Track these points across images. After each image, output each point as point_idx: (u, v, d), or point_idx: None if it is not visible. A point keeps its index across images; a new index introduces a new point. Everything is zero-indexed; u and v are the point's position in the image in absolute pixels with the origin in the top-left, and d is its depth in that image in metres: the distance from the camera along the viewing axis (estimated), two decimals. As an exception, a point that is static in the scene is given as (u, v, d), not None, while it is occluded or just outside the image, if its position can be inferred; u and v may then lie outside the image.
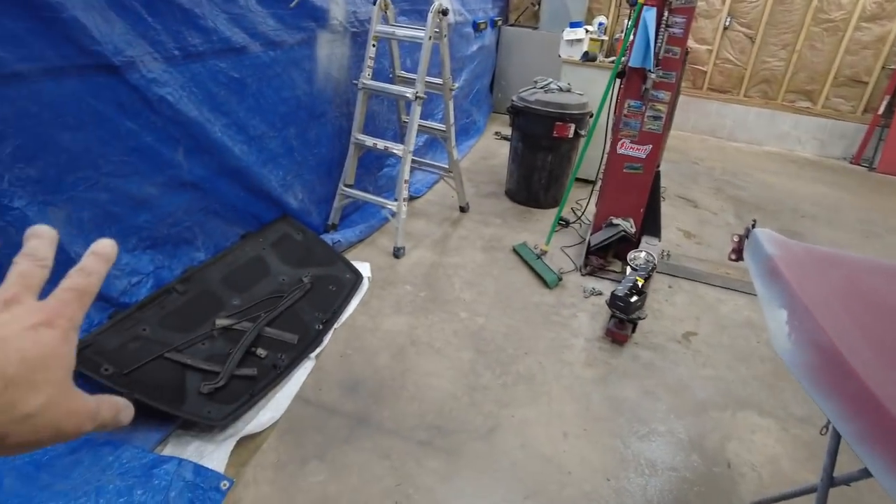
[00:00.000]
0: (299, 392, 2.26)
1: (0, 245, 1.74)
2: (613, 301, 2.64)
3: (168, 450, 1.95)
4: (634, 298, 2.60)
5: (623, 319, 2.65)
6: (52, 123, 1.86)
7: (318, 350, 2.48)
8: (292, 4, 2.66)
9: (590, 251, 3.35)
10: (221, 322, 2.34)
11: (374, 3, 3.16)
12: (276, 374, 2.27)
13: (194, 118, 2.30)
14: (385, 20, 3.28)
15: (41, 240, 0.43)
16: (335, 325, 2.66)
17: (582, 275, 3.31)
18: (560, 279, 3.19)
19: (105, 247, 0.45)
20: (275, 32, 2.67)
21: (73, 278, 0.43)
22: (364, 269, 3.12)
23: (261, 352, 2.31)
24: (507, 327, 2.78)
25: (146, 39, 2.08)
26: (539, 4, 6.76)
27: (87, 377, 1.92)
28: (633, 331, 2.75)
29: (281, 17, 2.69)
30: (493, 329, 2.76)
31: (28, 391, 0.36)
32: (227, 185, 2.62)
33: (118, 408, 0.45)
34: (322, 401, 2.24)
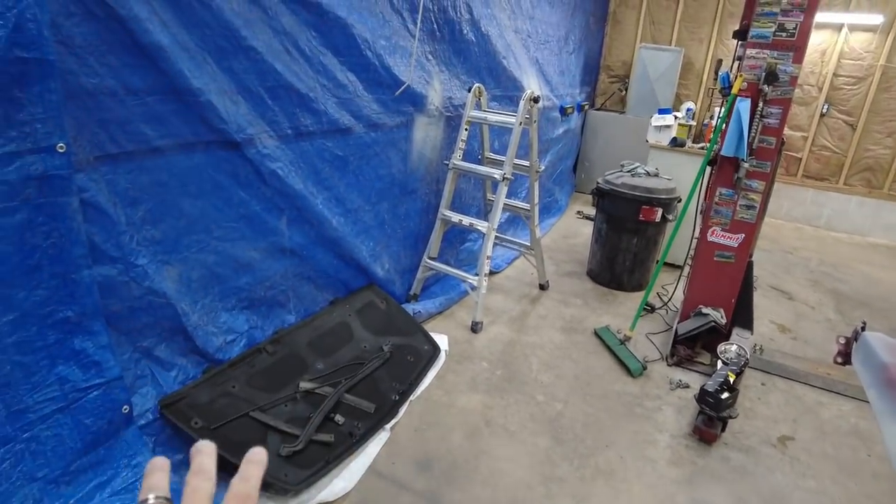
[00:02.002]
0: (373, 464, 2.26)
1: None
2: (703, 396, 2.50)
3: (244, 509, 1.98)
4: (725, 395, 2.45)
5: (712, 417, 2.50)
6: (178, 191, 2.07)
7: (393, 421, 2.49)
8: (397, 92, 2.87)
9: (677, 340, 3.22)
10: (305, 385, 2.41)
11: (469, 91, 3.35)
12: (351, 443, 2.29)
13: (299, 191, 2.49)
14: (478, 106, 3.46)
15: (205, 456, 0.50)
16: (411, 397, 2.67)
17: (668, 365, 3.17)
18: (645, 368, 3.06)
19: (259, 455, 0.51)
20: (377, 116, 2.88)
21: (236, 486, 0.48)
22: (442, 341, 3.14)
23: (339, 418, 2.35)
24: (587, 415, 2.68)
25: (265, 119, 2.31)
26: (626, 90, 6.89)
27: (178, 429, 2.02)
28: (723, 430, 2.58)
29: (384, 101, 2.91)
30: (572, 416, 2.67)
31: None
32: (322, 254, 2.77)
33: (259, 469, 0.51)
34: (395, 475, 2.22)
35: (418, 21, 2.97)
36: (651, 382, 3.00)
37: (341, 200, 2.81)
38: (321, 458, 2.18)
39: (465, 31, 3.48)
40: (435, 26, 3.21)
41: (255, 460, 0.51)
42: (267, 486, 2.07)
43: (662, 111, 4.98)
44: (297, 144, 2.49)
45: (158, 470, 0.50)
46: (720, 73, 2.99)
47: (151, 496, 0.46)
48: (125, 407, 1.86)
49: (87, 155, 1.73)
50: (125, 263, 1.90)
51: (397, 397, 2.60)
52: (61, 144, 1.54)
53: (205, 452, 0.51)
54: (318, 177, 2.63)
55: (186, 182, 2.10)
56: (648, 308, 3.80)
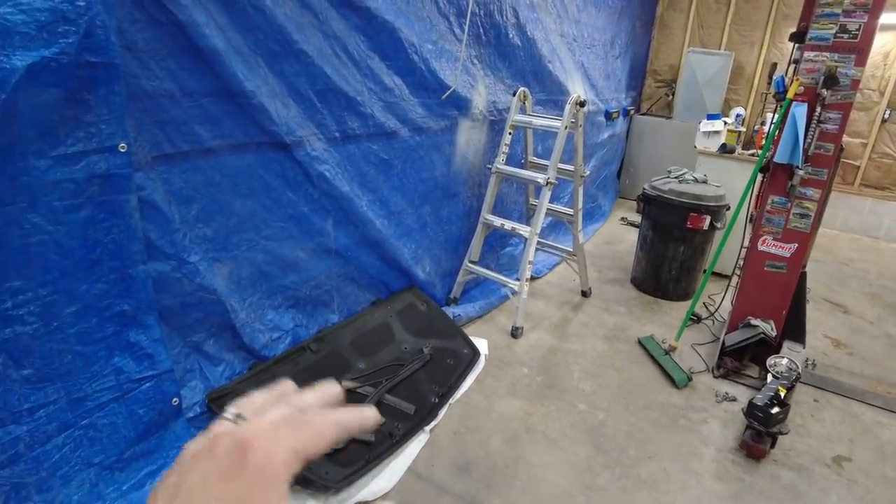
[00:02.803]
0: (412, 465, 2.27)
1: None
2: (751, 410, 2.42)
3: None
4: (776, 410, 2.36)
5: (761, 432, 2.41)
6: (229, 191, 2.13)
7: (432, 424, 2.49)
8: (443, 96, 2.89)
9: (724, 352, 3.12)
10: (346, 384, 2.44)
11: (514, 95, 3.34)
12: (391, 444, 2.30)
13: (345, 193, 2.53)
14: (522, 110, 3.44)
15: (313, 391, 0.44)
16: (451, 400, 2.67)
17: (714, 377, 3.08)
18: (690, 379, 2.98)
19: (372, 413, 0.45)
20: (422, 119, 2.91)
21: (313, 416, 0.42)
22: (482, 345, 3.13)
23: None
24: (630, 425, 2.63)
25: (314, 122, 2.35)
26: (673, 95, 6.75)
27: (225, 423, 2.07)
28: (773, 446, 2.48)
29: (429, 105, 2.93)
30: (614, 426, 2.62)
31: None
32: (365, 255, 2.81)
33: (362, 418, 0.44)
34: (433, 478, 2.22)
35: (466, 25, 2.98)
36: (696, 394, 2.92)
37: (385, 203, 2.84)
38: (361, 458, 2.20)
39: (510, 35, 3.48)
40: (481, 30, 3.22)
41: (370, 414, 0.44)
42: (308, 482, 2.10)
43: (711, 116, 4.85)
44: (343, 147, 2.53)
45: (268, 391, 0.44)
46: (774, 77, 2.90)
47: (232, 411, 0.41)
48: (175, 399, 1.92)
49: (145, 154, 1.79)
50: (178, 260, 1.96)
51: (437, 400, 2.61)
52: (123, 144, 1.61)
53: (318, 389, 0.45)
54: (363, 179, 2.66)
55: (238, 182, 2.16)
56: (694, 318, 3.70)
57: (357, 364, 2.59)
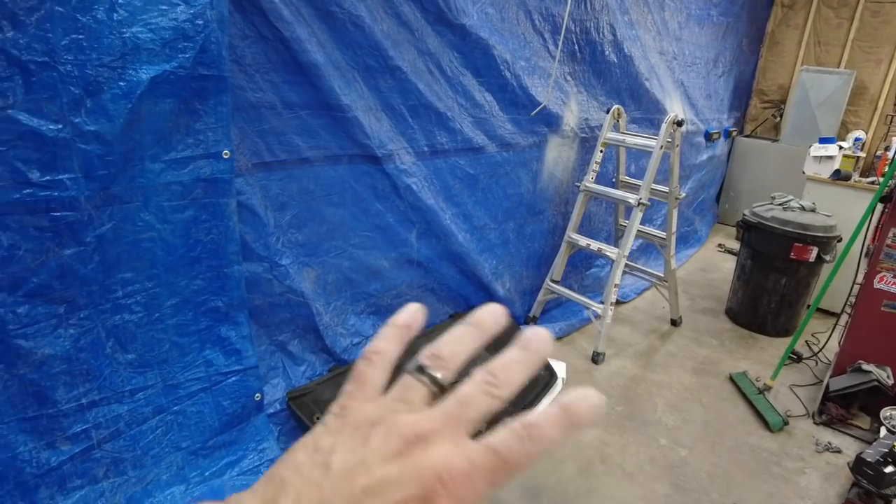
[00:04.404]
0: (480, 482, 2.23)
1: None
2: (860, 466, 2.18)
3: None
4: (890, 469, 2.12)
5: (871, 492, 2.17)
6: (322, 200, 2.23)
7: (503, 443, 2.45)
8: (533, 112, 2.87)
9: (828, 397, 2.85)
10: (420, 395, 2.45)
11: (608, 112, 3.26)
12: (460, 459, 2.28)
13: (430, 206, 2.57)
14: (616, 128, 3.35)
15: (526, 352, 0.35)
16: (524, 421, 2.61)
17: (815, 423, 2.81)
18: (786, 423, 2.74)
19: (591, 397, 0.33)
20: (511, 135, 2.90)
21: (507, 437, 0.32)
22: (559, 368, 3.05)
23: (450, 432, 2.35)
24: (714, 467, 2.46)
25: (404, 136, 2.41)
26: (780, 117, 6.33)
27: (301, 421, 2.15)
28: (884, 508, 2.23)
29: (518, 122, 2.92)
30: (697, 465, 2.46)
31: None
32: (446, 268, 2.83)
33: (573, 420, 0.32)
34: (501, 499, 2.18)
35: (560, 42, 2.96)
36: (793, 440, 2.68)
37: (468, 217, 2.85)
38: (430, 470, 2.19)
39: (606, 53, 3.41)
40: (576, 47, 3.18)
41: (576, 408, 0.32)
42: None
43: (824, 140, 4.49)
44: (431, 161, 2.58)
45: (471, 325, 0.37)
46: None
47: (430, 363, 0.34)
48: (257, 395, 2.02)
49: (245, 162, 1.91)
50: (270, 262, 2.07)
51: (510, 420, 2.56)
52: (226, 151, 1.72)
53: (530, 347, 0.35)
54: (448, 193, 2.69)
55: (330, 191, 2.25)
56: (794, 357, 3.41)
57: (432, 376, 2.60)
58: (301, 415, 2.15)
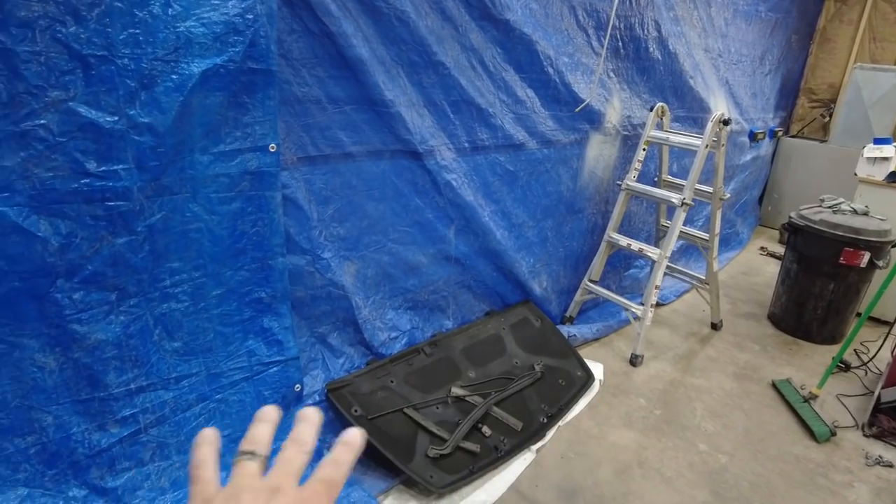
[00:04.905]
0: (515, 482, 2.22)
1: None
2: (912, 479, 2.09)
3: (389, 501, 2.07)
4: (946, 483, 2.02)
5: (925, 506, 2.08)
6: (363, 194, 2.24)
7: (539, 444, 2.43)
8: (577, 109, 2.83)
9: (879, 408, 2.73)
10: (457, 391, 2.45)
11: (651, 110, 3.19)
12: (496, 457, 2.28)
13: (469, 202, 2.56)
14: (659, 126, 3.28)
15: (307, 425, 0.48)
16: (560, 423, 2.58)
17: (864, 435, 2.70)
18: (833, 433, 2.64)
19: (355, 437, 0.48)
20: (552, 132, 2.87)
21: (325, 468, 0.46)
22: (597, 369, 3.01)
23: (486, 430, 2.35)
24: (756, 475, 2.38)
25: (445, 132, 2.41)
26: (830, 116, 6.10)
27: (339, 413, 2.17)
28: (938, 525, 2.13)
29: (560, 118, 2.88)
30: (738, 473, 2.39)
31: None
32: (483, 265, 2.82)
33: (352, 453, 0.48)
34: (536, 499, 2.16)
35: (605, 39, 2.91)
36: (840, 452, 2.58)
37: (507, 214, 2.83)
38: (466, 466, 2.19)
39: (650, 49, 3.34)
40: (619, 44, 3.12)
41: (351, 442, 0.47)
42: (412, 484, 2.13)
43: (879, 141, 4.29)
44: (471, 157, 2.57)
45: (264, 421, 0.48)
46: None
47: (247, 449, 0.46)
48: (297, 385, 2.04)
49: (291, 155, 1.94)
50: (313, 255, 2.09)
51: (545, 420, 2.54)
52: (273, 145, 1.74)
53: (308, 421, 0.48)
54: (487, 189, 2.68)
55: (371, 186, 2.26)
56: (842, 365, 3.28)
57: (468, 372, 2.59)
58: (339, 406, 2.17)
